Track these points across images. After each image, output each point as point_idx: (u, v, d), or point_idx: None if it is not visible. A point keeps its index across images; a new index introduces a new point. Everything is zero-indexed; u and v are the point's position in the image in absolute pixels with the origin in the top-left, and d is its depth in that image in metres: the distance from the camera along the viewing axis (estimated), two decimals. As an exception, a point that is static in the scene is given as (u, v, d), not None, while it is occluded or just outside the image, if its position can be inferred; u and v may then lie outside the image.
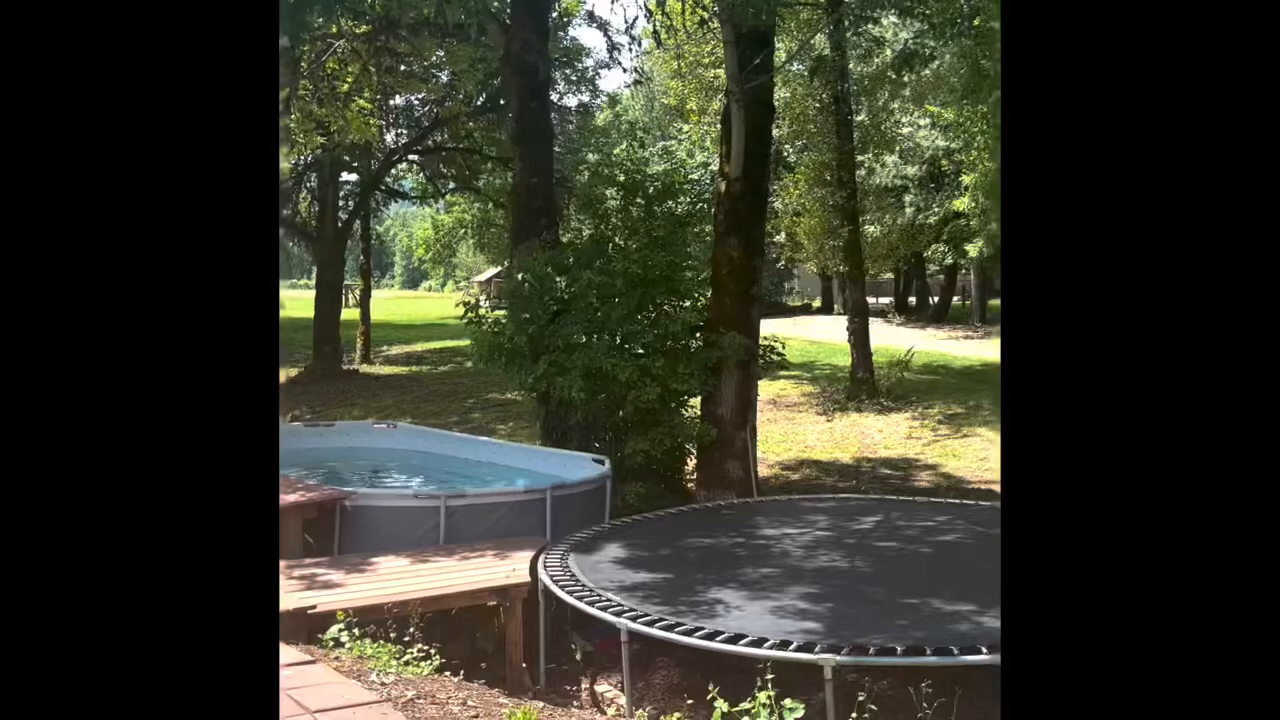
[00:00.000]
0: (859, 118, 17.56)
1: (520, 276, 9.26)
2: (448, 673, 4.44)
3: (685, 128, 23.77)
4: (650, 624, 5.02)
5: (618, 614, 5.18)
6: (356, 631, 4.70)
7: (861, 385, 15.69)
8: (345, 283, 27.40)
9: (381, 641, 4.63)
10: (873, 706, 3.81)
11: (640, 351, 8.79)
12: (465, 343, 13.62)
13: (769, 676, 3.77)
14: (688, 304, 9.49)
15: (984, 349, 22.07)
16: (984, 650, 4.43)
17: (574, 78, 23.09)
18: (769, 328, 10.61)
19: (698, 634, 4.85)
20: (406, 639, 4.75)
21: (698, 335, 9.22)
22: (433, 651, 4.64)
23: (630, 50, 25.27)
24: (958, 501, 8.34)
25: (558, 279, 8.94)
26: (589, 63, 23.12)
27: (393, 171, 24.78)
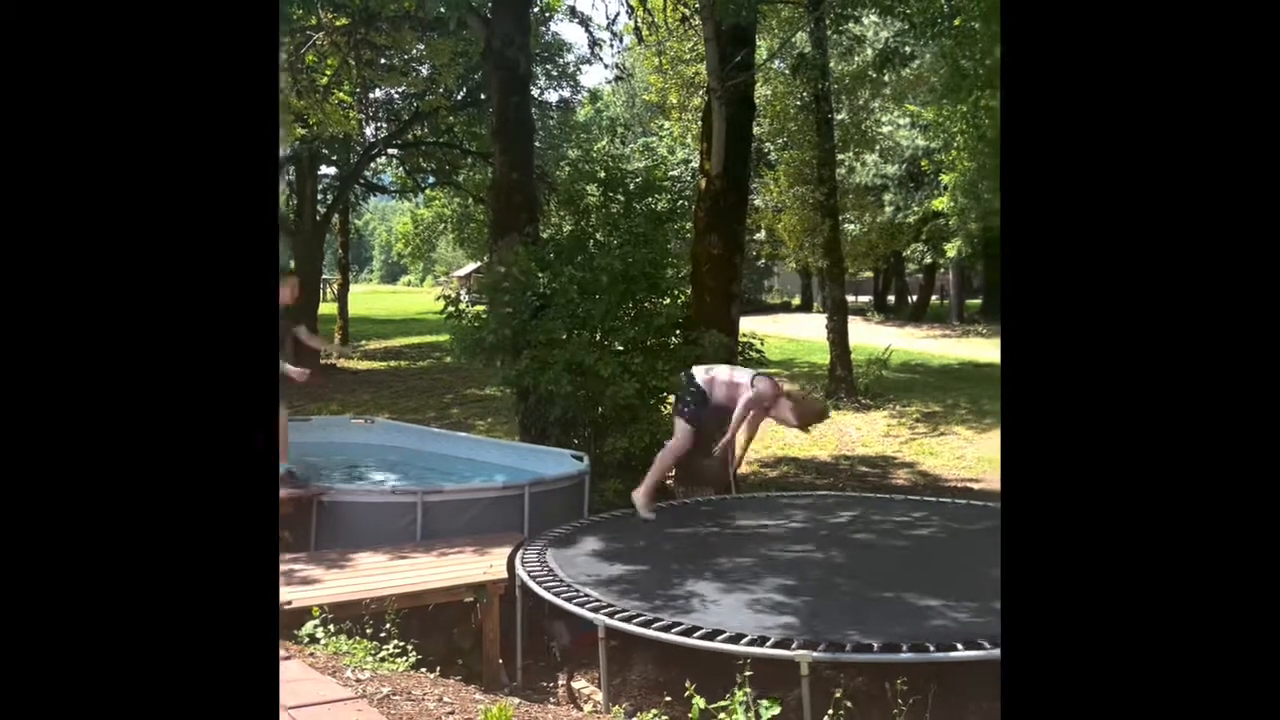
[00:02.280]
0: (839, 116, 17.63)
1: (501, 271, 9.23)
2: (424, 669, 4.42)
3: (666, 124, 23.80)
4: (628, 620, 5.02)
5: (595, 610, 5.17)
6: (332, 627, 4.67)
7: (840, 383, 15.77)
8: (323, 276, 27.23)
9: (357, 638, 4.61)
10: (848, 703, 3.82)
11: (620, 348, 8.79)
12: (444, 338, 13.57)
13: (747, 673, 3.77)
14: (668, 301, 9.49)
15: (961, 348, 22.22)
16: (959, 647, 4.45)
17: (555, 73, 23.07)
18: (749, 325, 10.63)
19: (675, 630, 4.85)
20: (382, 635, 4.73)
21: (677, 332, 9.22)
22: (409, 648, 4.62)
23: (611, 46, 25.27)
24: (934, 499, 8.38)
25: (539, 274, 8.92)
26: (570, 58, 23.12)
27: (372, 165, 24.68)
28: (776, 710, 3.56)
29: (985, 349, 22.01)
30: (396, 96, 22.38)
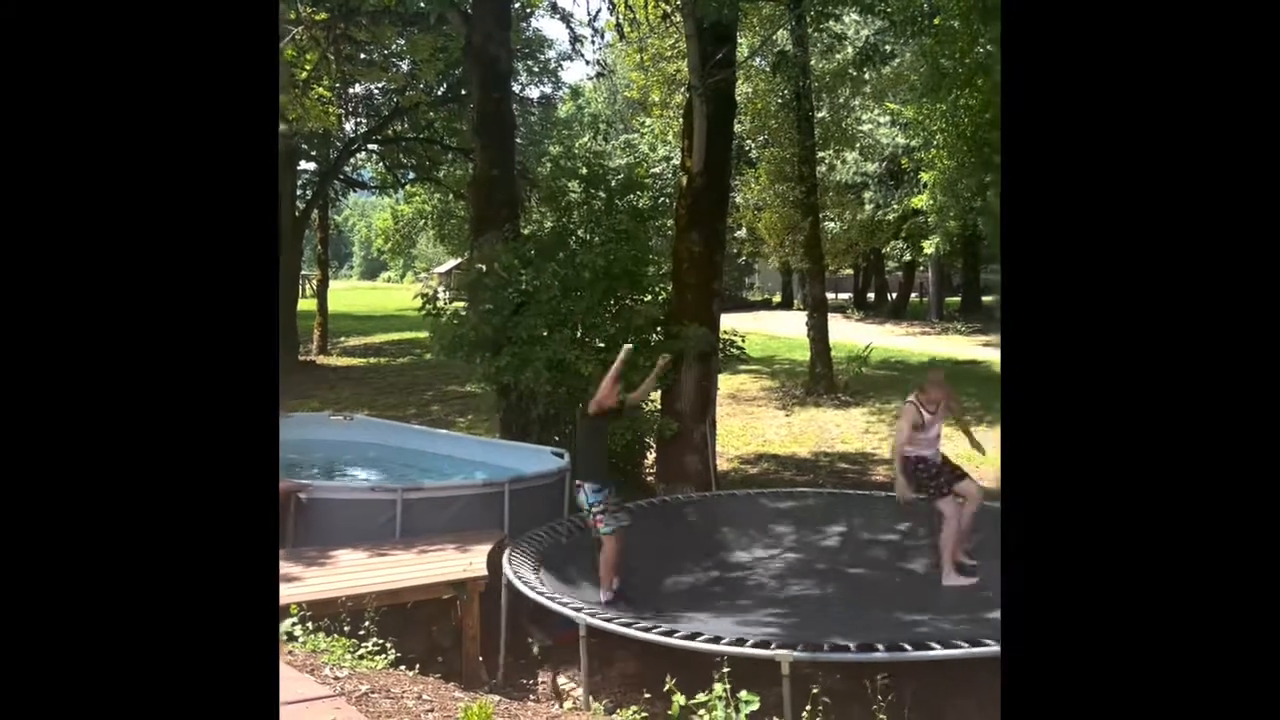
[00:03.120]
0: (820, 114, 17.65)
1: (482, 268, 9.20)
2: (403, 667, 4.40)
3: (648, 121, 23.77)
4: (609, 618, 5.02)
5: (576, 609, 5.16)
6: (310, 625, 4.64)
7: (820, 380, 15.81)
8: (302, 273, 27.07)
9: (336, 635, 4.58)
10: (826, 699, 3.83)
11: (601, 345, 8.77)
12: (424, 334, 13.51)
13: (726, 670, 3.77)
14: (649, 298, 9.48)
15: (941, 345, 22.33)
16: (936, 646, 4.48)
17: (536, 69, 22.99)
18: (729, 322, 10.63)
19: (656, 629, 4.85)
20: (361, 633, 4.71)
21: (658, 329, 9.22)
22: (388, 645, 4.60)
23: (593, 42, 25.18)
24: (914, 496, 8.39)
25: (521, 271, 8.89)
26: (551, 54, 23.04)
27: (352, 161, 24.52)
28: (756, 704, 3.56)
29: (964, 346, 22.13)
30: (376, 92, 22.26)
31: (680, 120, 11.17)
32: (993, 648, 4.43)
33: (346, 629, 4.79)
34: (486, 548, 6.41)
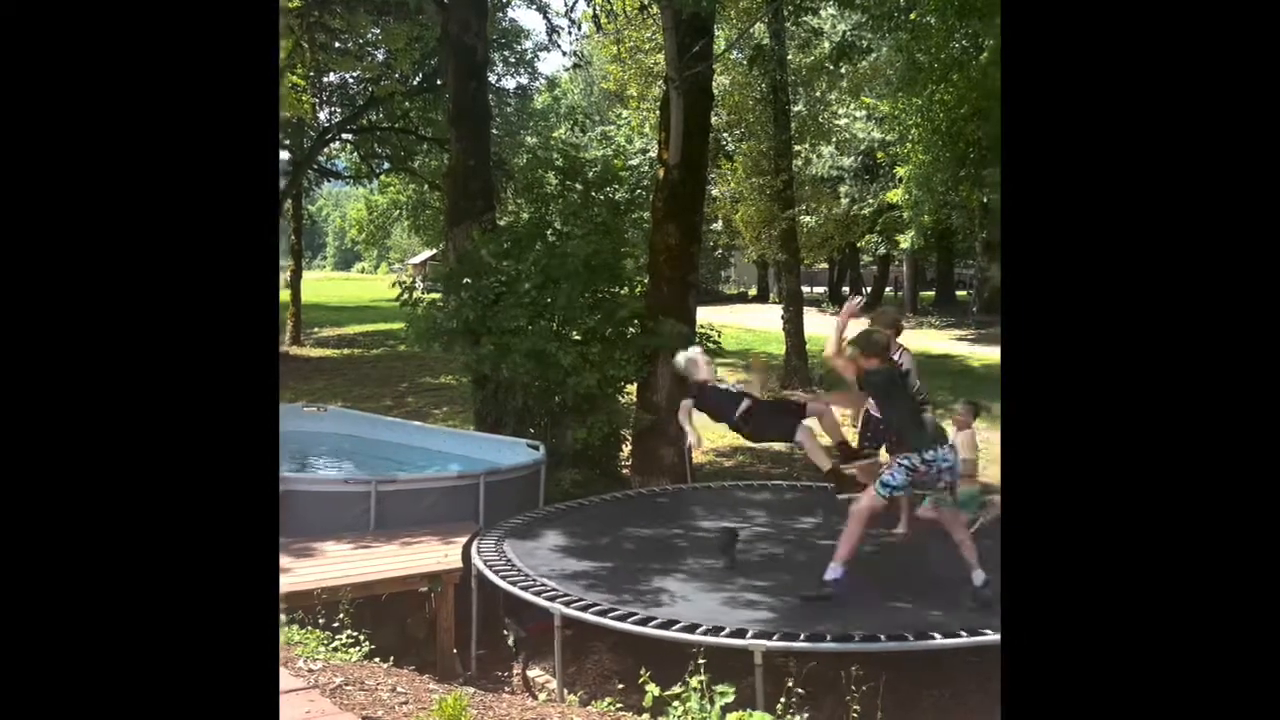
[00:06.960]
0: (797, 108, 17.70)
1: (460, 258, 9.16)
2: (377, 659, 4.39)
3: (625, 113, 23.72)
4: (583, 609, 5.02)
5: (550, 599, 5.16)
6: (284, 618, 4.62)
7: (795, 374, 15.88)
8: (276, 263, 26.81)
9: (310, 628, 4.56)
10: (800, 690, 3.85)
11: (579, 338, 8.77)
12: (399, 325, 13.45)
13: (701, 661, 3.79)
14: (626, 291, 9.48)
15: (915, 339, 22.46)
16: (909, 637, 4.52)
17: (512, 59, 22.91)
18: (705, 315, 10.65)
19: (630, 619, 4.86)
20: (335, 625, 4.69)
21: (635, 322, 9.22)
22: (362, 638, 4.58)
23: (570, 33, 25.11)
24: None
25: (504, 262, 8.87)
26: (528, 45, 22.96)
27: (326, 150, 24.33)
28: (731, 697, 3.57)
29: (938, 340, 22.27)
30: (351, 81, 22.09)
31: (657, 113, 11.17)
32: (968, 638, 4.48)
33: (320, 621, 4.77)
34: (461, 540, 6.40)
